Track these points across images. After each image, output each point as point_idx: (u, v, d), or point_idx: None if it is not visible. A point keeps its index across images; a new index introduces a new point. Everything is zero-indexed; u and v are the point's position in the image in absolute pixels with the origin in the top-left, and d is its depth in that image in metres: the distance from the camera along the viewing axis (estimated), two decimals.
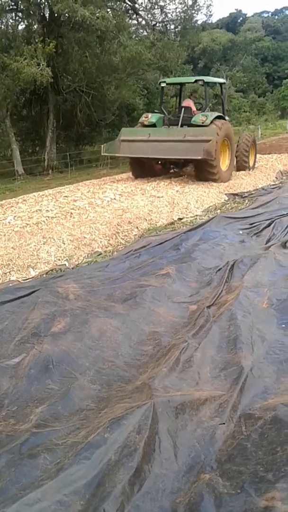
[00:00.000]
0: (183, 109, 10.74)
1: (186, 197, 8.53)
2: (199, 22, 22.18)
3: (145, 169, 10.90)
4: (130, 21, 18.75)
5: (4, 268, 5.01)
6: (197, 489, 1.86)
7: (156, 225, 6.96)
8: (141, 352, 3.12)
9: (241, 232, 6.16)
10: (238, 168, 11.58)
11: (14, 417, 2.42)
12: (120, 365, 2.94)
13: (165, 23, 19.36)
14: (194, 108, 10.90)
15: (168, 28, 19.65)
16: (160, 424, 2.20)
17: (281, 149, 16.84)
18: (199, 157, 9.21)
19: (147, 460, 1.99)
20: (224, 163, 10.40)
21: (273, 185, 10.16)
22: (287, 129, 27.51)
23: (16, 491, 1.85)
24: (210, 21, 32.83)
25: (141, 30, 19.92)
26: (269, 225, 6.34)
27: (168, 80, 12.04)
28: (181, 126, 10.31)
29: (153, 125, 10.56)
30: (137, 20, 19.25)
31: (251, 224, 6.51)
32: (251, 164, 11.93)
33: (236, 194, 9.23)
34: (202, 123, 9.78)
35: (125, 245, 5.99)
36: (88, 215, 7.11)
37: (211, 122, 9.79)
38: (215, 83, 12.74)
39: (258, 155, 14.34)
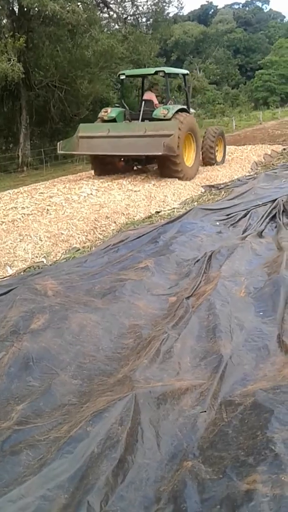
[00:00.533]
0: (143, 102, 10.20)
1: (163, 191, 8.55)
2: (170, 15, 22.28)
3: (107, 166, 10.28)
4: (101, 14, 18.62)
5: None
6: (180, 477, 1.89)
7: (133, 219, 6.96)
8: (122, 346, 3.13)
9: (218, 223, 6.21)
10: (205, 164, 11.09)
11: None
12: (101, 359, 2.95)
13: (137, 16, 19.31)
14: (156, 101, 10.29)
15: (140, 21, 19.62)
16: (142, 415, 2.22)
17: (256, 140, 17.01)
18: (160, 153, 8.64)
19: (130, 451, 2.01)
20: (189, 158, 9.86)
21: (249, 176, 10.26)
22: (260, 120, 27.78)
23: None
24: (181, 14, 33.01)
25: (113, 24, 19.82)
26: (245, 215, 6.41)
27: (128, 72, 11.16)
28: (142, 120, 9.74)
29: (113, 120, 9.94)
30: (108, 14, 19.14)
31: (228, 215, 6.57)
32: (218, 159, 11.46)
33: (213, 186, 9.29)
34: (164, 116, 9.22)
35: (103, 240, 5.97)
36: (65, 211, 7.06)
37: (173, 115, 9.25)
38: (177, 74, 12.02)
39: (233, 147, 14.45)
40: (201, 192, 8.90)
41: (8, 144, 19.46)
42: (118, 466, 1.92)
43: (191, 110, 10.83)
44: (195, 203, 7.85)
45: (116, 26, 19.47)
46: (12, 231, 6.04)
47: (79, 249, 5.65)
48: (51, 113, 17.61)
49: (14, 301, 3.65)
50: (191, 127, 9.73)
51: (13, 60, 13.53)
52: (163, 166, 9.47)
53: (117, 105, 11.12)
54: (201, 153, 10.75)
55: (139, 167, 10.68)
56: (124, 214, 7.03)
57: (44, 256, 5.32)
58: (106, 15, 19.13)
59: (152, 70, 10.93)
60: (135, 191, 8.43)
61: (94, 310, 3.56)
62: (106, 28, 19.41)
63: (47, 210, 7.14)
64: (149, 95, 10.48)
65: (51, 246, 5.58)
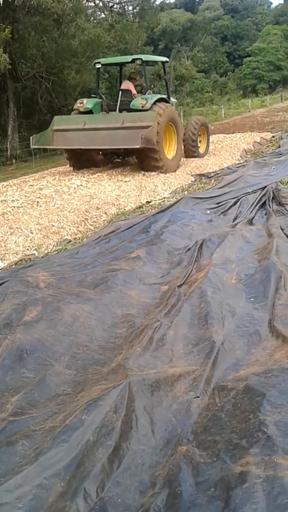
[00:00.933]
0: (120, 92, 9.78)
1: (153, 180, 8.54)
2: (157, 2, 22.14)
3: (85, 160, 9.83)
4: (86, 3, 18.42)
5: None
6: (175, 461, 1.91)
7: (124, 209, 6.95)
8: (115, 335, 3.14)
9: (208, 211, 6.22)
10: (187, 156, 10.61)
11: None
12: (95, 349, 2.96)
13: (123, 4, 19.12)
14: (134, 91, 9.82)
15: (126, 9, 19.46)
16: (136, 402, 2.23)
17: (245, 128, 17.01)
18: (138, 146, 8.22)
19: (125, 438, 2.03)
20: (170, 151, 9.47)
21: (238, 164, 10.27)
22: (249, 108, 27.73)
23: None
24: (168, 1, 32.72)
25: (99, 12, 19.64)
26: (235, 203, 6.43)
27: (104, 60, 10.55)
28: (120, 111, 9.37)
29: (90, 112, 9.50)
30: (94, 2, 18.97)
31: (218, 203, 6.59)
32: (201, 150, 10.98)
33: (203, 175, 9.30)
34: (142, 107, 8.81)
35: (94, 231, 5.96)
36: (55, 203, 7.02)
37: (152, 106, 8.80)
38: (156, 62, 11.48)
39: (222, 135, 14.42)
40: (191, 181, 8.91)
41: None
42: (114, 453, 1.94)
43: (172, 100, 10.43)
44: (186, 192, 7.86)
45: (102, 15, 19.31)
46: (3, 224, 6.01)
47: (70, 241, 5.65)
48: (39, 105, 17.47)
49: (6, 294, 3.64)
50: (171, 118, 9.33)
51: None
52: (142, 159, 9.09)
53: (93, 95, 10.57)
54: (182, 144, 10.31)
55: (118, 160, 10.23)
56: (114, 204, 7.02)
57: (36, 249, 5.31)
58: (92, 3, 18.99)
59: (129, 58, 10.33)
60: (125, 181, 8.41)
61: (87, 300, 3.56)
62: (92, 17, 19.22)
63: (37, 202, 7.10)
64: (126, 85, 10.04)
65: (42, 239, 5.57)
